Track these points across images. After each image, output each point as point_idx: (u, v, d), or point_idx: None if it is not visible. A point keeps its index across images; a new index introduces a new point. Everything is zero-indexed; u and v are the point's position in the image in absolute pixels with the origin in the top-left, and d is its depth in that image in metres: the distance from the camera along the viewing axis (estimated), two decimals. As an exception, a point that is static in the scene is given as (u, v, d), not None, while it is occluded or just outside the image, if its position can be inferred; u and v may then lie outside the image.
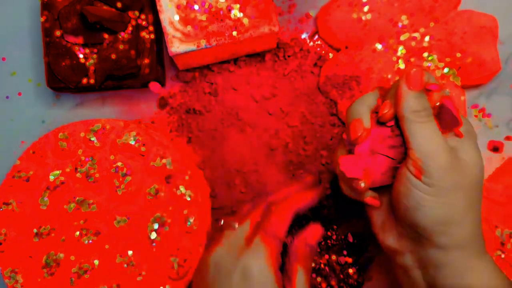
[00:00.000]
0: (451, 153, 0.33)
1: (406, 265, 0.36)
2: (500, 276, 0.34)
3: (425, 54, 0.46)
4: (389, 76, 0.45)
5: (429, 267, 0.35)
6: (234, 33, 0.42)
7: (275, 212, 0.39)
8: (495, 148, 0.48)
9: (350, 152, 0.36)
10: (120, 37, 0.45)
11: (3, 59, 0.49)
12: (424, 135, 0.33)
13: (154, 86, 0.44)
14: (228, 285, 0.36)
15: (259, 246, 0.37)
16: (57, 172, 0.45)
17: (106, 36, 0.45)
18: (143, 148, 0.45)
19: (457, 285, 0.34)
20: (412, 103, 0.33)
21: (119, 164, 0.45)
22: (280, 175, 0.47)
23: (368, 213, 0.39)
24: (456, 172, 0.33)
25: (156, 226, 0.44)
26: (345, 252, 0.44)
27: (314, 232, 0.39)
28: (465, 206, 0.33)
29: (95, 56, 0.45)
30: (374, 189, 0.37)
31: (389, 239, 0.37)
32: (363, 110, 0.35)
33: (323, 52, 0.48)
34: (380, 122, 0.35)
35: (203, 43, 0.43)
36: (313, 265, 0.42)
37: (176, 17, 0.43)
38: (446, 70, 0.46)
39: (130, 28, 0.45)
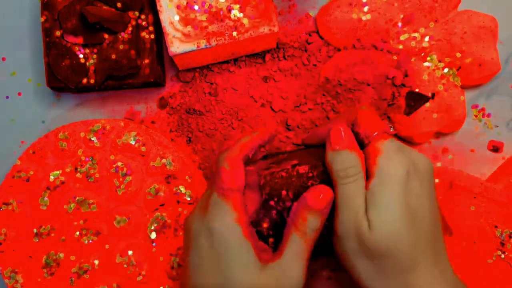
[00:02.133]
0: (360, 220, 0.33)
1: None
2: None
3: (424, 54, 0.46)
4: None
5: None
6: (234, 33, 0.42)
7: (223, 164, 0.35)
8: (495, 148, 0.48)
9: None
10: (120, 37, 0.45)
11: (3, 59, 0.49)
12: (349, 193, 0.33)
13: None
14: (196, 247, 0.34)
15: (217, 203, 0.34)
16: (57, 172, 0.45)
17: (106, 36, 0.45)
18: (143, 148, 0.45)
19: None
20: (339, 162, 0.34)
21: (119, 164, 0.45)
22: (280, 175, 0.47)
23: None
24: (362, 241, 0.33)
25: (156, 226, 0.44)
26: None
27: (317, 194, 0.34)
28: (374, 272, 0.33)
29: (95, 56, 0.45)
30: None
31: None
32: None
33: (323, 52, 0.48)
34: None
35: (203, 43, 0.43)
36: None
37: (176, 17, 0.43)
38: (446, 70, 0.46)
39: (130, 28, 0.45)
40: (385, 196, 0.32)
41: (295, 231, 0.34)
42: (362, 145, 0.35)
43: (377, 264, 0.33)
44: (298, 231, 0.34)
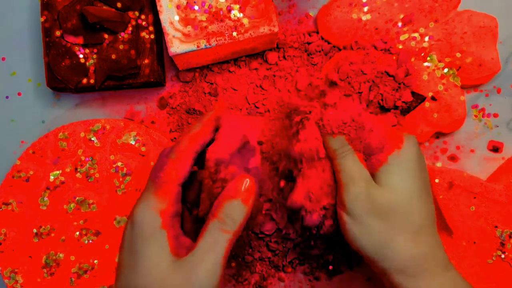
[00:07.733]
0: (369, 181, 0.35)
1: None
2: None
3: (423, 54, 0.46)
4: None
5: None
6: (234, 33, 0.42)
7: (170, 155, 0.34)
8: (495, 148, 0.48)
9: None
10: (120, 37, 0.45)
11: (3, 59, 0.49)
12: (346, 164, 0.36)
13: None
14: (124, 235, 0.34)
15: (147, 191, 0.34)
16: (57, 172, 0.45)
17: (106, 36, 0.45)
18: (143, 148, 0.45)
19: None
20: (332, 144, 0.37)
21: (119, 164, 0.45)
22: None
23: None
24: (373, 199, 0.34)
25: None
26: None
27: (239, 182, 0.34)
28: (386, 231, 0.34)
29: (95, 56, 0.45)
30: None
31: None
32: None
33: (323, 52, 0.48)
34: None
35: (203, 43, 0.43)
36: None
37: (176, 17, 0.43)
38: (446, 70, 0.46)
39: (130, 28, 0.45)
40: (402, 162, 0.36)
41: (212, 218, 0.33)
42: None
43: (388, 223, 0.34)
44: (216, 218, 0.32)
